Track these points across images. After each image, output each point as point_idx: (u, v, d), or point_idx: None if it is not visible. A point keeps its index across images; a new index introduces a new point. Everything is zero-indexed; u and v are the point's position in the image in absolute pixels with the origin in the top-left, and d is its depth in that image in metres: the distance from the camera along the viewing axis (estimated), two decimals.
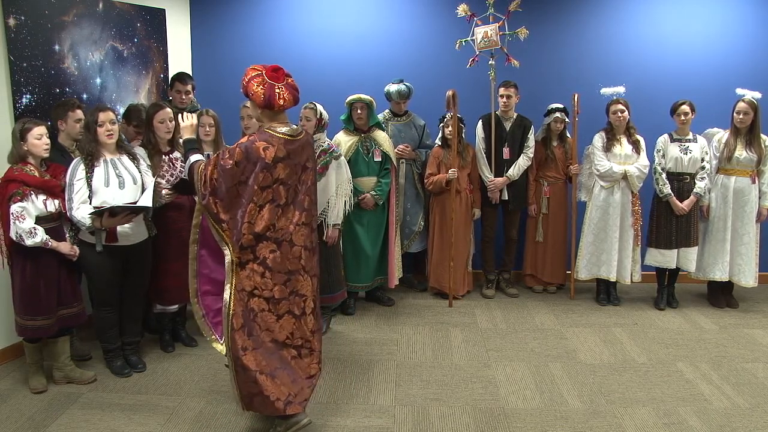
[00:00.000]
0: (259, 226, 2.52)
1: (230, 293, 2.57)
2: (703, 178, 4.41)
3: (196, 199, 2.63)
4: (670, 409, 3.08)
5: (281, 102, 2.54)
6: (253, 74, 2.56)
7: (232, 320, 2.56)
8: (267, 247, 2.55)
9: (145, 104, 4.04)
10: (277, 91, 2.53)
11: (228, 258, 2.55)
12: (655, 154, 4.50)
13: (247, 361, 2.56)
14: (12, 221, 3.00)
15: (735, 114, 4.36)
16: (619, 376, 3.46)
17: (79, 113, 3.44)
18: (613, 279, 4.57)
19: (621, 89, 4.48)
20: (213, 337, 2.70)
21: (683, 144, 4.43)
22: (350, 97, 4.31)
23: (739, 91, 4.41)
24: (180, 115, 2.89)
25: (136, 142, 3.67)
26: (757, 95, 4.37)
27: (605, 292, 4.72)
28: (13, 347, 3.61)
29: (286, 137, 2.57)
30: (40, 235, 3.04)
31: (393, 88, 4.59)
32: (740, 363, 3.63)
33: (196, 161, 2.65)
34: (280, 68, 2.60)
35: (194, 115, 2.89)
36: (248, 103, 3.72)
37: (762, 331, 4.15)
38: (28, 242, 3.01)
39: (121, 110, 4.13)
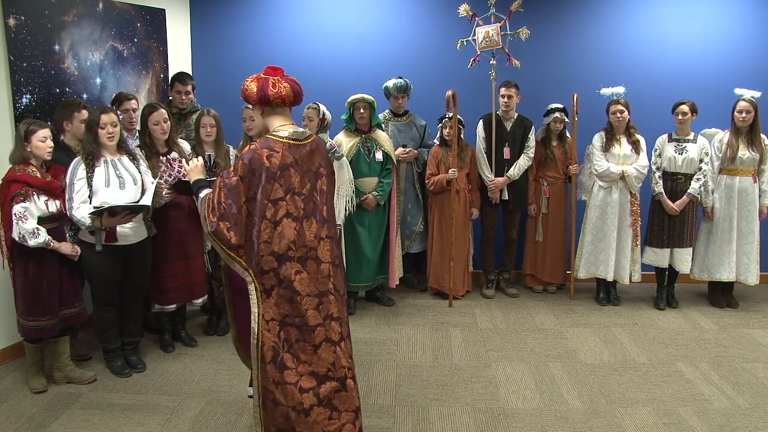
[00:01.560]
0: (279, 245, 2.26)
1: (258, 323, 2.30)
2: (698, 179, 4.41)
3: (205, 230, 2.31)
4: (670, 409, 3.09)
5: (275, 90, 2.30)
6: (251, 76, 2.39)
7: (262, 351, 2.31)
8: (291, 268, 2.28)
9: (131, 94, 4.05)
10: (271, 80, 2.31)
11: (251, 286, 2.30)
12: (652, 153, 4.51)
13: (279, 395, 2.30)
14: (15, 222, 3.00)
15: (736, 113, 4.36)
16: (619, 376, 3.46)
17: (85, 113, 3.44)
18: (610, 279, 4.58)
19: (620, 89, 4.48)
20: None
21: (680, 144, 4.43)
22: (353, 97, 4.31)
23: (738, 90, 4.42)
24: (185, 160, 2.77)
25: (134, 126, 3.75)
26: (757, 94, 4.37)
27: (605, 292, 4.72)
28: (13, 347, 3.61)
29: (291, 141, 2.32)
30: (43, 236, 3.04)
31: (390, 82, 4.58)
32: (740, 363, 3.63)
33: (205, 195, 2.37)
34: (278, 68, 2.39)
35: (200, 158, 2.70)
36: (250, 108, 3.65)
37: (762, 331, 4.15)
38: (31, 243, 3.01)
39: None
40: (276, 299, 2.29)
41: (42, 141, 3.10)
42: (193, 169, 2.57)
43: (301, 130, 2.40)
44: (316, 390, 2.32)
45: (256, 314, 2.30)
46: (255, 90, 2.32)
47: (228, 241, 2.24)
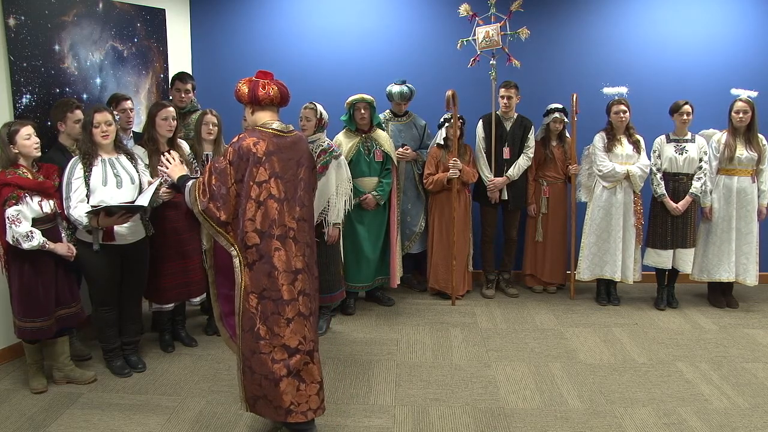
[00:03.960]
0: (261, 223, 2.49)
1: (240, 294, 2.54)
2: (699, 179, 4.41)
3: (195, 210, 2.56)
4: (670, 409, 3.09)
5: (264, 90, 2.57)
6: (243, 79, 2.64)
7: (242, 320, 2.55)
8: (272, 245, 2.51)
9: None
10: (261, 83, 2.59)
11: (236, 260, 2.53)
12: (651, 154, 4.51)
13: (253, 363, 2.54)
14: (8, 225, 2.98)
15: (734, 114, 4.36)
16: (619, 376, 3.46)
17: (78, 113, 3.43)
18: (617, 279, 4.57)
19: (623, 89, 4.48)
20: None
21: (680, 144, 4.43)
22: (352, 98, 4.30)
23: (735, 91, 4.42)
24: (164, 157, 2.92)
25: (130, 125, 3.80)
26: (753, 94, 4.37)
27: (605, 292, 4.72)
28: (13, 347, 3.61)
29: (275, 132, 2.58)
30: (37, 238, 3.02)
31: (395, 89, 4.58)
32: (740, 363, 3.63)
33: (193, 182, 2.63)
34: (268, 72, 2.65)
35: (175, 155, 2.91)
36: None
37: (762, 331, 4.15)
38: (26, 246, 2.99)
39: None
40: (256, 273, 2.52)
41: (26, 139, 3.07)
42: (174, 168, 2.82)
43: (286, 125, 2.65)
44: (286, 362, 2.54)
45: (239, 285, 2.54)
46: (246, 91, 2.60)
47: (218, 219, 2.50)
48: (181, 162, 2.93)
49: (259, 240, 2.50)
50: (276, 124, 2.60)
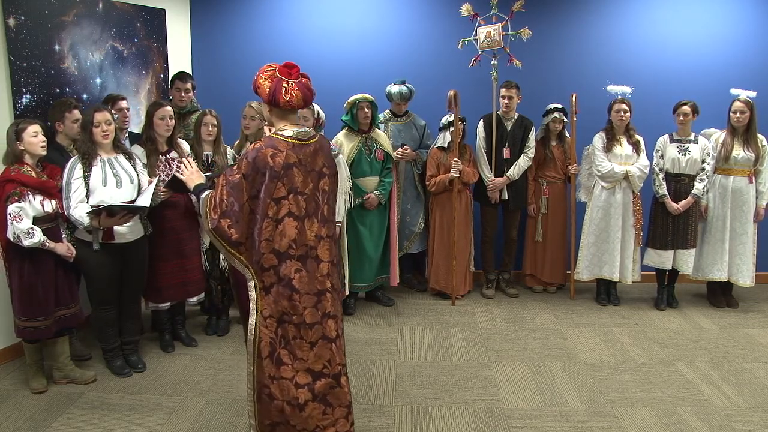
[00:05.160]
0: (280, 244, 2.29)
1: (256, 319, 2.35)
2: (702, 180, 4.41)
3: (205, 228, 2.35)
4: (670, 409, 3.09)
5: (287, 97, 2.31)
6: (266, 69, 2.38)
7: (259, 347, 2.36)
8: (291, 267, 2.31)
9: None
10: (284, 85, 2.32)
11: (251, 283, 2.34)
12: (654, 154, 4.51)
13: (274, 389, 2.37)
14: (9, 222, 2.99)
15: (732, 114, 4.37)
16: (619, 376, 3.46)
17: (76, 113, 3.44)
18: (615, 279, 4.57)
19: (628, 89, 4.48)
20: None
21: (683, 145, 4.43)
22: (355, 97, 4.30)
23: (734, 91, 4.42)
24: (182, 164, 2.75)
25: (126, 125, 3.77)
26: (752, 94, 4.37)
27: (605, 292, 4.72)
28: (13, 347, 3.61)
29: (295, 141, 2.34)
30: (38, 236, 3.03)
31: (394, 89, 4.58)
32: (740, 363, 3.63)
33: (207, 194, 2.39)
34: (295, 66, 2.39)
35: (194, 162, 2.73)
36: (254, 103, 3.74)
37: (762, 331, 4.15)
38: (26, 243, 3.00)
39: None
40: (275, 296, 2.32)
41: (33, 136, 3.09)
42: (191, 175, 2.59)
43: (306, 129, 2.42)
44: (311, 386, 2.37)
45: (255, 311, 2.35)
46: (267, 90, 2.33)
47: (229, 238, 2.27)
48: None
49: (277, 261, 2.30)
50: (294, 130, 2.37)
